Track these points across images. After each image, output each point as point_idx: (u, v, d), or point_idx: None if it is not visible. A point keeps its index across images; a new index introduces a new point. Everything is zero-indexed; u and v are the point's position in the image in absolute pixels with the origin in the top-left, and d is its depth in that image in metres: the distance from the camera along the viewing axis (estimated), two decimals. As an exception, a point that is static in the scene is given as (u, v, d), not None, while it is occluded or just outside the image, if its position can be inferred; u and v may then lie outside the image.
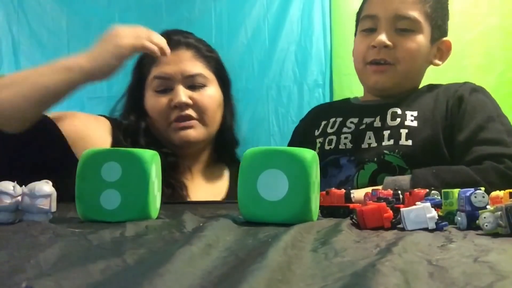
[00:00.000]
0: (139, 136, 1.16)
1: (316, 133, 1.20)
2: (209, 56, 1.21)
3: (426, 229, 0.58)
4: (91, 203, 0.65)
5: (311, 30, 1.70)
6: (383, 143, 1.09)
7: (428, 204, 0.59)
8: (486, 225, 0.55)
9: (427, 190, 0.73)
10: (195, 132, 1.15)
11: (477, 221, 0.57)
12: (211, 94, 1.18)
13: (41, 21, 1.78)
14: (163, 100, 1.15)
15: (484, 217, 0.55)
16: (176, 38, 1.17)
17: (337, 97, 1.60)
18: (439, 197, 0.69)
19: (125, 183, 0.65)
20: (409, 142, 1.07)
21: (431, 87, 1.19)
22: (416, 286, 0.32)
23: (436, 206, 0.62)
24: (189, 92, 1.15)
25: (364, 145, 1.11)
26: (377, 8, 1.14)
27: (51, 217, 0.64)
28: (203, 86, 1.17)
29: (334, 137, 1.15)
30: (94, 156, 0.67)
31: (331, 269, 0.37)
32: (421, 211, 0.58)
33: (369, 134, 1.11)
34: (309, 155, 0.65)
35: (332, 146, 1.14)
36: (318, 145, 1.16)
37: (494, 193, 0.66)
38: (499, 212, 0.54)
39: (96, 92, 1.72)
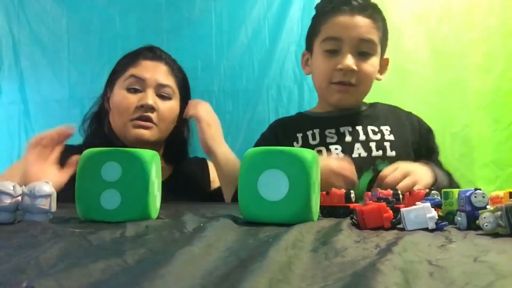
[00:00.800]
0: (103, 131, 1.31)
1: (297, 145, 1.25)
2: (179, 76, 1.37)
3: (426, 229, 0.58)
4: (91, 203, 0.65)
5: (311, 30, 1.70)
6: (373, 154, 1.20)
7: (428, 204, 0.59)
8: (486, 225, 0.55)
9: (427, 190, 0.73)
10: (150, 133, 1.28)
11: (477, 221, 0.57)
12: (172, 107, 1.33)
13: (41, 21, 1.78)
14: (132, 98, 1.28)
15: (484, 217, 0.55)
16: (158, 53, 1.36)
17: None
18: (439, 197, 0.69)
19: (125, 183, 0.65)
20: (393, 153, 1.21)
21: (382, 105, 1.34)
22: (416, 286, 0.32)
23: (436, 206, 0.62)
24: (156, 99, 1.29)
25: (355, 155, 1.20)
26: (342, 31, 1.22)
27: (51, 217, 0.64)
28: (169, 98, 1.32)
29: (322, 148, 1.21)
30: (94, 156, 0.66)
31: (332, 269, 0.37)
32: (421, 211, 0.58)
33: (357, 145, 1.21)
34: (310, 155, 0.65)
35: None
36: None
37: (494, 193, 0.66)
38: (499, 212, 0.54)
39: (97, 92, 1.72)
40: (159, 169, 0.72)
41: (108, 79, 1.36)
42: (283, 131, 1.32)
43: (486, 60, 1.62)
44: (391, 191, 0.76)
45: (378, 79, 1.31)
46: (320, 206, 0.75)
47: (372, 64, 1.24)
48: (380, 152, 1.20)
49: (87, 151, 0.67)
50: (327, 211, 0.76)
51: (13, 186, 0.63)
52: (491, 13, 1.63)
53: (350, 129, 1.24)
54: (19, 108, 1.78)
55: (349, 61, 1.20)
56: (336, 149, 1.21)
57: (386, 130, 1.25)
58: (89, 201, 0.65)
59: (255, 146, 1.35)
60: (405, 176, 1.00)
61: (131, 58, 1.34)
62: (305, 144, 1.24)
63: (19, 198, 0.63)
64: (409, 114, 1.33)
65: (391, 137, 1.23)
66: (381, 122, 1.27)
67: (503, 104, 1.61)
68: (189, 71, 1.40)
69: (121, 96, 1.29)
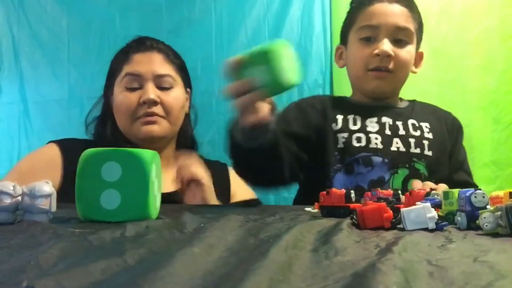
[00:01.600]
0: (106, 132, 1.25)
1: (335, 127, 1.20)
2: (176, 61, 1.30)
3: (426, 229, 0.58)
4: (91, 203, 0.65)
5: (311, 30, 1.70)
6: (411, 150, 1.17)
7: (428, 204, 0.59)
8: (486, 225, 0.55)
9: (427, 190, 0.73)
10: (159, 128, 1.22)
11: (477, 221, 0.57)
12: (177, 95, 1.26)
13: (41, 21, 1.78)
14: (133, 96, 1.22)
15: (484, 217, 0.55)
16: (149, 43, 1.28)
17: (337, 97, 1.60)
18: (439, 197, 0.69)
19: (125, 183, 0.65)
20: (430, 153, 1.18)
21: (422, 104, 1.33)
22: (416, 285, 0.32)
23: (436, 206, 0.62)
24: (158, 92, 1.23)
25: (393, 148, 1.17)
26: (379, 18, 1.22)
27: (51, 217, 0.64)
28: (170, 87, 1.25)
29: (362, 135, 1.18)
30: (94, 156, 0.67)
31: (332, 269, 0.37)
32: (421, 211, 0.58)
33: (396, 139, 1.18)
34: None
35: (363, 144, 1.17)
36: (343, 140, 1.18)
37: (494, 193, 0.66)
38: (499, 212, 0.54)
39: (96, 92, 1.72)
40: (159, 169, 0.71)
41: (106, 81, 1.32)
42: (321, 108, 1.25)
43: (486, 60, 1.62)
44: (391, 191, 0.76)
45: (414, 72, 1.30)
46: (320, 206, 0.75)
47: (409, 51, 1.23)
48: (418, 150, 1.17)
49: (87, 151, 0.67)
50: (327, 211, 0.76)
51: (13, 186, 0.63)
52: (491, 13, 1.63)
53: (391, 122, 1.21)
54: (19, 108, 1.78)
55: (386, 46, 1.19)
56: (376, 138, 1.18)
57: (426, 127, 1.22)
58: (89, 201, 0.65)
59: (282, 114, 1.22)
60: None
61: (123, 56, 1.28)
62: (345, 128, 1.20)
63: (19, 198, 0.63)
64: (448, 113, 1.32)
65: (430, 135, 1.21)
66: (421, 118, 1.24)
67: (503, 104, 1.61)
68: (189, 71, 1.40)
69: (121, 97, 1.24)
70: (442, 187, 0.94)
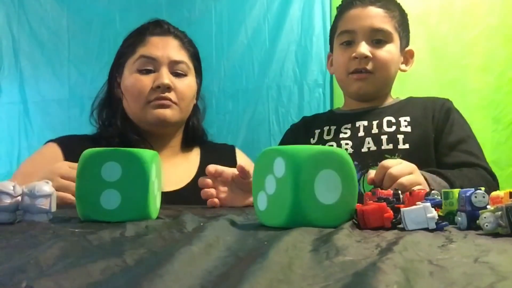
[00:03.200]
0: (116, 119, 1.23)
1: (312, 141, 1.29)
2: (190, 49, 1.29)
3: (426, 229, 0.57)
4: (91, 203, 0.65)
5: (311, 30, 1.70)
6: (383, 147, 1.20)
7: (428, 204, 0.59)
8: (487, 225, 0.55)
9: (427, 190, 0.73)
10: (171, 112, 1.21)
11: (477, 221, 0.57)
12: (190, 83, 1.26)
13: (41, 21, 1.78)
14: (146, 80, 1.20)
15: (485, 217, 0.55)
16: (166, 27, 1.27)
17: (337, 97, 1.60)
18: (439, 197, 0.69)
19: (125, 183, 0.65)
20: (407, 146, 1.20)
21: (413, 98, 1.34)
22: (417, 284, 0.32)
23: (436, 206, 0.62)
24: (172, 78, 1.22)
25: (364, 149, 1.21)
26: (354, 23, 1.27)
27: (51, 217, 0.64)
28: (184, 74, 1.24)
29: (333, 143, 1.25)
30: (94, 156, 0.66)
31: (333, 268, 0.37)
32: (421, 211, 0.58)
33: (368, 139, 1.23)
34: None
35: None
36: None
37: (494, 193, 0.65)
38: (500, 212, 0.54)
39: (97, 92, 1.72)
40: (159, 169, 0.71)
41: (115, 63, 1.28)
42: (302, 128, 1.36)
43: (486, 60, 1.62)
44: (391, 191, 0.76)
45: (403, 70, 1.33)
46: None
47: (389, 50, 1.26)
48: (391, 146, 1.19)
49: (87, 151, 0.67)
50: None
51: (13, 186, 0.63)
52: (491, 13, 1.63)
53: (366, 123, 1.26)
54: (19, 108, 1.78)
55: (363, 48, 1.23)
56: (346, 144, 1.23)
57: (405, 121, 1.24)
58: (89, 201, 0.65)
59: (284, 136, 1.40)
60: (410, 172, 0.95)
61: (138, 37, 1.25)
62: (320, 140, 1.28)
63: (19, 198, 0.63)
64: (439, 100, 1.29)
65: (408, 129, 1.22)
66: (401, 113, 1.26)
67: (503, 104, 1.61)
68: (189, 71, 1.40)
69: (133, 79, 1.21)
70: (390, 162, 0.94)
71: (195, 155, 1.32)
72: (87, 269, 0.35)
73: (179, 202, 1.04)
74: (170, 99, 1.19)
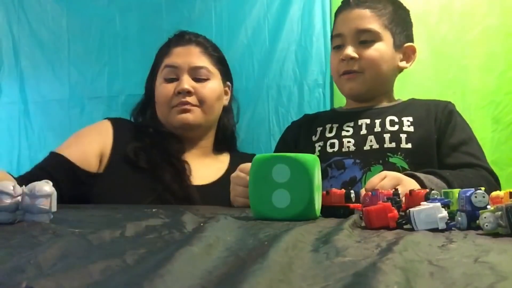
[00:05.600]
0: (145, 119, 1.35)
1: (314, 138, 1.30)
2: (214, 54, 1.37)
3: (426, 229, 0.58)
4: (264, 202, 0.71)
5: (311, 30, 1.70)
6: (385, 146, 1.20)
7: (438, 204, 0.59)
8: (487, 225, 0.55)
9: (427, 190, 0.73)
10: (193, 116, 1.28)
11: (477, 221, 0.57)
12: (213, 86, 1.33)
13: (41, 21, 1.78)
14: (170, 87, 1.30)
15: (485, 217, 0.55)
16: (188, 37, 1.37)
17: (337, 97, 1.60)
18: (439, 197, 0.69)
19: (293, 184, 0.71)
20: (409, 145, 1.19)
21: (416, 100, 1.35)
22: (417, 284, 0.32)
23: (445, 206, 0.62)
24: (193, 83, 1.30)
25: (366, 147, 1.21)
26: (341, 27, 1.31)
27: (51, 217, 0.64)
28: (206, 79, 1.32)
29: (336, 141, 1.25)
30: (265, 160, 0.73)
31: (333, 269, 0.37)
32: (432, 211, 0.58)
33: (370, 137, 1.23)
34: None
35: (336, 149, 1.24)
36: (318, 148, 1.27)
37: (494, 193, 0.65)
38: (500, 212, 0.54)
39: (97, 92, 1.72)
40: (319, 173, 0.76)
41: (149, 73, 1.39)
42: (305, 126, 1.37)
43: (486, 60, 1.62)
44: (391, 191, 0.76)
45: (403, 67, 1.33)
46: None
47: (377, 49, 1.27)
48: (393, 144, 1.20)
49: (258, 156, 0.74)
50: (327, 211, 0.76)
51: (13, 186, 0.63)
52: (491, 13, 1.63)
53: (368, 121, 1.26)
54: (19, 108, 1.78)
55: (348, 50, 1.26)
56: (348, 142, 1.23)
57: (408, 121, 1.24)
58: (262, 200, 0.72)
59: (284, 133, 1.43)
60: (395, 185, 0.93)
61: (164, 49, 1.36)
62: (322, 137, 1.28)
63: (19, 198, 0.63)
64: (442, 103, 1.30)
65: (410, 129, 1.22)
66: (404, 113, 1.27)
67: (503, 104, 1.61)
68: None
69: (160, 87, 1.32)
70: (383, 176, 0.96)
71: (225, 158, 1.39)
72: (88, 269, 0.35)
73: (204, 197, 1.18)
74: (190, 103, 1.28)
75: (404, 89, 1.50)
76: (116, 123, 1.33)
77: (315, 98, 1.66)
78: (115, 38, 1.73)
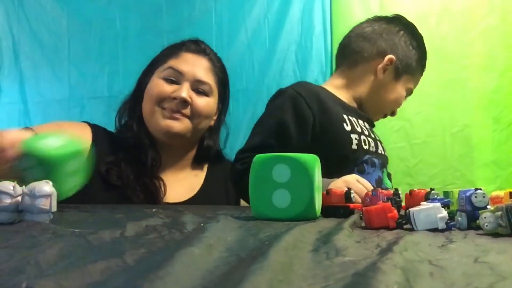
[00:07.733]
0: (133, 121, 1.27)
1: (347, 128, 1.15)
2: (220, 75, 1.32)
3: (427, 229, 0.58)
4: (264, 202, 0.71)
5: (311, 30, 1.70)
6: (385, 153, 1.26)
7: (438, 204, 0.59)
8: (487, 225, 0.55)
9: (428, 190, 0.73)
10: (180, 125, 1.22)
11: (477, 221, 0.57)
12: (209, 103, 1.27)
13: (41, 21, 1.78)
14: (166, 87, 1.23)
15: (485, 217, 0.55)
16: (202, 47, 1.31)
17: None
18: (438, 197, 0.69)
19: (294, 184, 0.71)
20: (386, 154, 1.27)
21: None
22: (417, 285, 0.32)
23: (445, 206, 0.62)
24: (192, 93, 1.24)
25: (380, 151, 1.23)
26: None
27: (51, 217, 0.64)
28: (205, 94, 1.26)
29: (365, 139, 1.17)
30: (265, 160, 0.73)
31: (333, 269, 0.37)
32: (432, 211, 0.58)
33: (378, 143, 1.24)
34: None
35: (367, 147, 1.17)
36: (355, 141, 1.14)
37: (494, 193, 0.66)
38: (500, 212, 0.54)
39: (97, 92, 1.72)
40: (320, 173, 0.75)
41: (146, 68, 1.32)
42: (326, 106, 1.15)
43: (486, 60, 1.62)
44: (391, 191, 0.76)
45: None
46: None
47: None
48: (386, 153, 1.26)
49: (259, 157, 0.73)
50: (327, 211, 0.76)
51: (13, 186, 0.63)
52: (492, 13, 1.63)
53: (368, 126, 1.27)
54: (19, 108, 1.78)
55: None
56: (369, 141, 1.19)
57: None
58: (262, 200, 0.72)
59: (271, 101, 1.21)
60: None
61: (173, 49, 1.30)
62: (354, 129, 1.16)
63: (19, 198, 0.63)
64: None
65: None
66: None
67: (503, 104, 1.61)
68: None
69: (156, 83, 1.25)
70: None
71: (202, 174, 1.34)
72: (87, 269, 0.35)
73: None
74: (183, 113, 1.22)
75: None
76: (95, 129, 1.26)
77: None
78: (115, 38, 1.73)
